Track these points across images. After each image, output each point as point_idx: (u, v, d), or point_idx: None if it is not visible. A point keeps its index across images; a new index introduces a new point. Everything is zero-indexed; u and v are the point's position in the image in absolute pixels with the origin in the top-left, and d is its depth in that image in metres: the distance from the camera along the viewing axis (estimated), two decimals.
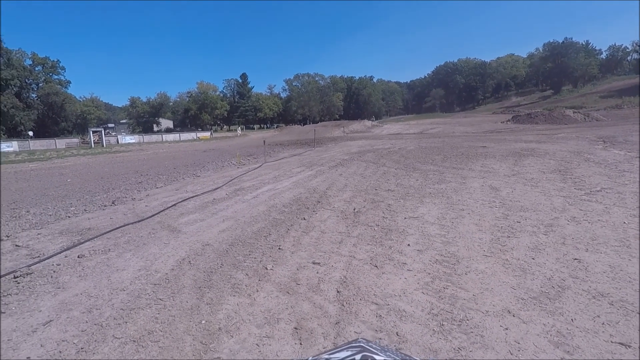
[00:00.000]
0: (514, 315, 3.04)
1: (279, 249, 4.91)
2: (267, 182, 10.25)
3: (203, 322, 3.20)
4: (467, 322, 2.97)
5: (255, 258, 4.63)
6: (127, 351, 2.83)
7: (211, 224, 6.32)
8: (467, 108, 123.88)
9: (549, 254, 4.26)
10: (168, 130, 78.71)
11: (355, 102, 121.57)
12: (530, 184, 7.94)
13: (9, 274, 4.37)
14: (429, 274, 3.90)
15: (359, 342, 0.98)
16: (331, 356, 0.87)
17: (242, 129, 77.03)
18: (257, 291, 3.74)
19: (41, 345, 2.96)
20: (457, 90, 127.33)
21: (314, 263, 4.36)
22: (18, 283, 4.15)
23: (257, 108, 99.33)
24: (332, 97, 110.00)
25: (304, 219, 6.26)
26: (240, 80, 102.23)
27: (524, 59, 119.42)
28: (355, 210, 6.59)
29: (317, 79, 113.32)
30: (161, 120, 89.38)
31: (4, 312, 3.52)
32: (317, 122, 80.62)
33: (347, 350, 0.90)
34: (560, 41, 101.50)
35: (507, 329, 2.87)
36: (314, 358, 0.89)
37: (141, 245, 5.37)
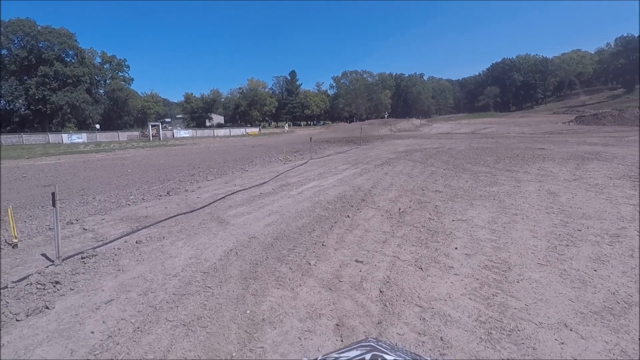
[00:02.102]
0: (571, 330, 2.82)
1: (323, 245, 4.94)
2: (313, 179, 10.36)
3: (248, 312, 3.31)
4: (518, 332, 2.81)
5: (299, 253, 4.71)
6: (177, 334, 3.00)
7: (257, 217, 6.52)
8: (525, 107, 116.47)
9: (614, 266, 3.90)
10: (219, 126, 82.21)
11: (404, 100, 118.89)
12: (595, 190, 7.30)
13: (77, 254, 4.80)
14: (477, 279, 3.73)
15: (369, 341, 0.97)
16: (341, 355, 0.87)
17: (289, 126, 78.48)
18: (300, 285, 3.80)
19: (103, 322, 3.23)
20: (514, 88, 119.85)
21: (357, 261, 4.34)
22: (85, 263, 4.55)
23: (305, 105, 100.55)
24: (380, 95, 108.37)
25: (348, 216, 6.25)
26: (289, 78, 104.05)
27: (591, 54, 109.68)
28: (401, 210, 6.46)
29: (365, 76, 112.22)
30: (213, 115, 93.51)
31: (72, 290, 3.88)
32: (363, 120, 79.90)
33: (357, 350, 0.89)
34: (636, 35, 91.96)
35: (563, 343, 2.67)
36: (324, 357, 0.88)
37: (192, 234, 5.66)
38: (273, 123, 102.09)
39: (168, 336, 2.98)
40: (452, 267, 4.06)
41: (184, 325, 3.13)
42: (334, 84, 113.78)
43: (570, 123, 39.76)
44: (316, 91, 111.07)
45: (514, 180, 8.65)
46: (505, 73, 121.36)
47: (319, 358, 0.86)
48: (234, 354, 2.72)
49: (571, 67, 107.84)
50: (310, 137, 17.94)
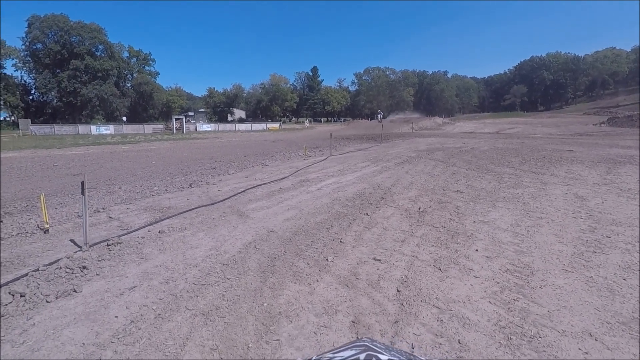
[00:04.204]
0: (596, 340, 2.72)
1: (341, 242, 4.95)
2: (332, 175, 10.36)
3: (265, 304, 3.35)
4: (540, 339, 2.74)
5: (316, 249, 4.73)
6: (196, 323, 3.08)
7: (277, 212, 6.58)
8: (553, 107, 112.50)
9: None
10: (240, 120, 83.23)
11: (427, 98, 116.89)
12: (627, 195, 6.99)
13: (103, 241, 4.98)
14: (498, 283, 3.65)
15: (364, 341, 0.97)
16: (335, 355, 0.86)
17: (309, 122, 78.62)
18: (317, 281, 3.82)
19: (126, 308, 3.34)
20: (543, 87, 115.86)
21: (374, 259, 4.33)
22: (110, 250, 4.72)
23: (326, 101, 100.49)
24: (402, 92, 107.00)
25: (367, 214, 6.22)
26: (311, 74, 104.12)
27: (627, 53, 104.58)
28: (421, 210, 6.38)
29: (387, 73, 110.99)
30: (235, 110, 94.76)
31: (98, 275, 4.03)
32: (385, 117, 79.19)
33: (352, 349, 0.89)
34: None
35: (587, 353, 2.58)
36: (318, 357, 0.88)
37: (213, 226, 5.77)
38: (294, 119, 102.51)
39: (188, 324, 3.06)
40: (472, 269, 3.99)
41: (203, 314, 3.21)
42: (356, 81, 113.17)
43: (602, 125, 38.10)
44: (337, 87, 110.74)
45: (539, 182, 8.39)
46: (533, 71, 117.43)
47: (314, 358, 0.86)
48: (250, 345, 2.77)
49: (605, 66, 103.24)
50: (331, 134, 17.93)
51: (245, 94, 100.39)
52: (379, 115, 57.56)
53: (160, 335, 2.91)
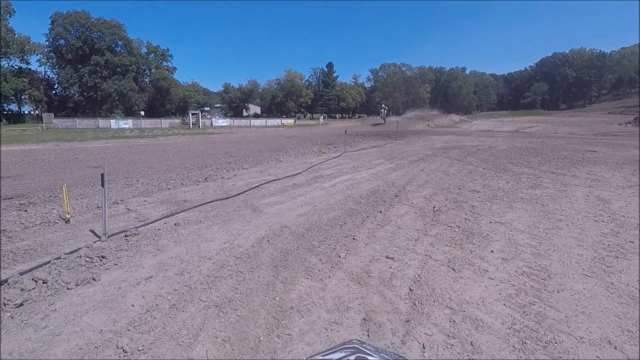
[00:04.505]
0: (615, 348, 2.65)
1: (353, 239, 4.94)
2: (346, 172, 10.33)
3: (277, 298, 3.38)
4: (556, 345, 2.68)
5: (329, 245, 4.73)
6: (209, 314, 3.13)
7: (290, 207, 6.60)
8: (576, 106, 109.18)
9: None
10: (255, 116, 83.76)
11: (444, 95, 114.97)
12: None
13: (121, 232, 5.10)
14: (514, 285, 3.58)
15: (353, 343, 0.97)
16: (325, 357, 0.87)
17: (324, 118, 78.51)
18: (329, 277, 3.82)
19: (142, 297, 3.42)
20: (565, 85, 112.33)
21: (387, 257, 4.30)
22: (128, 241, 4.83)
23: (341, 97, 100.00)
24: (418, 89, 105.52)
25: (380, 212, 6.18)
26: (326, 69, 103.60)
27: None
28: (435, 209, 6.31)
29: (404, 69, 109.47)
30: (250, 105, 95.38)
31: (116, 265, 4.13)
32: (400, 115, 78.30)
33: (342, 352, 0.89)
34: None
35: None
36: (308, 359, 0.88)
37: (227, 220, 5.84)
38: (308, 115, 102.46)
39: (201, 315, 3.11)
40: (487, 270, 3.93)
41: (216, 306, 3.26)
42: (371, 77, 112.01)
43: (628, 124, 36.75)
44: (352, 84, 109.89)
45: (559, 183, 8.18)
46: (555, 68, 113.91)
47: (304, 359, 0.86)
48: (261, 339, 2.80)
49: (632, 63, 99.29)
50: (345, 130, 17.86)
51: (260, 90, 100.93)
52: (382, 111, 45.49)
53: (175, 325, 2.97)
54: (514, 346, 2.67)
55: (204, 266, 4.10)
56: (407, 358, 0.89)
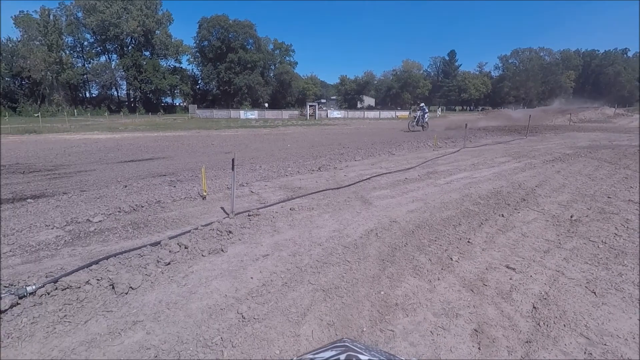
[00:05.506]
0: None
1: (468, 242, 4.56)
2: (464, 169, 9.59)
3: (382, 292, 3.34)
4: None
5: (440, 245, 4.47)
6: (317, 297, 3.27)
7: (400, 202, 6.45)
8: None
9: None
10: (369, 108, 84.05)
11: (594, 83, 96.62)
12: None
13: (245, 212, 5.69)
14: None
15: (344, 341, 0.93)
16: (315, 356, 0.83)
17: (441, 110, 74.15)
18: (439, 279, 3.61)
19: (260, 272, 3.77)
20: None
21: (507, 267, 3.86)
22: (250, 220, 5.37)
23: (462, 88, 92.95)
24: (559, 77, 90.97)
25: (503, 215, 5.57)
26: (447, 58, 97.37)
27: None
28: (573, 218, 5.39)
29: (541, 54, 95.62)
30: (364, 97, 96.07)
31: (240, 240, 4.64)
32: (533, 107, 68.84)
33: (332, 350, 0.86)
34: None
35: None
36: (298, 358, 0.85)
37: (337, 209, 6.01)
38: None
39: (309, 297, 3.27)
40: None
41: (323, 290, 3.39)
42: (500, 64, 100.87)
43: None
44: (477, 73, 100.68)
45: None
46: None
47: (294, 359, 0.84)
48: (364, 329, 2.81)
49: None
50: (466, 124, 16.51)
51: (375, 81, 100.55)
52: (418, 113, 27.25)
53: (285, 301, 3.19)
54: None
55: (314, 251, 4.31)
56: (398, 357, 0.85)
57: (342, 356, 0.82)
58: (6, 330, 2.74)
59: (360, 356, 0.82)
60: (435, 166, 10.11)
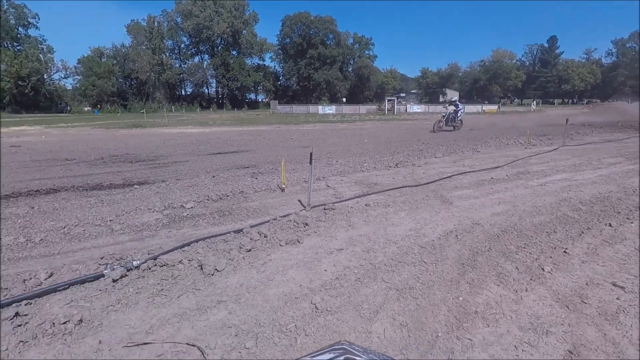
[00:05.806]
0: None
1: (565, 252, 4.07)
2: (562, 170, 8.56)
3: (460, 298, 3.16)
4: None
5: (530, 253, 4.06)
6: (390, 296, 3.21)
7: (484, 203, 6.00)
8: None
9: None
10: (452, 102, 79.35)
11: None
12: None
13: (321, 205, 5.81)
14: None
15: (342, 344, 0.92)
16: (314, 359, 0.83)
17: (537, 104, 66.91)
18: (526, 290, 3.29)
19: (334, 265, 3.82)
20: None
21: (614, 285, 3.35)
22: (325, 214, 5.47)
23: (563, 78, 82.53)
24: None
25: (610, 225, 4.85)
26: (547, 45, 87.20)
27: None
28: None
29: None
30: (447, 91, 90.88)
31: (315, 233, 4.76)
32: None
33: (330, 353, 0.85)
34: None
35: None
36: None
37: (414, 208, 5.81)
38: (516, 100, 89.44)
39: (382, 295, 3.23)
40: None
41: (397, 290, 3.31)
42: (614, 50, 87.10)
43: None
44: (583, 60, 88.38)
45: None
46: None
47: None
48: (439, 334, 2.68)
49: None
50: (567, 119, 14.65)
51: (460, 73, 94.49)
52: (452, 101, 22.72)
53: (358, 297, 3.19)
54: None
55: (388, 249, 4.23)
56: (395, 358, 0.88)
57: (341, 358, 0.82)
58: (117, 297, 3.19)
59: (358, 359, 0.83)
60: (527, 166, 9.18)
